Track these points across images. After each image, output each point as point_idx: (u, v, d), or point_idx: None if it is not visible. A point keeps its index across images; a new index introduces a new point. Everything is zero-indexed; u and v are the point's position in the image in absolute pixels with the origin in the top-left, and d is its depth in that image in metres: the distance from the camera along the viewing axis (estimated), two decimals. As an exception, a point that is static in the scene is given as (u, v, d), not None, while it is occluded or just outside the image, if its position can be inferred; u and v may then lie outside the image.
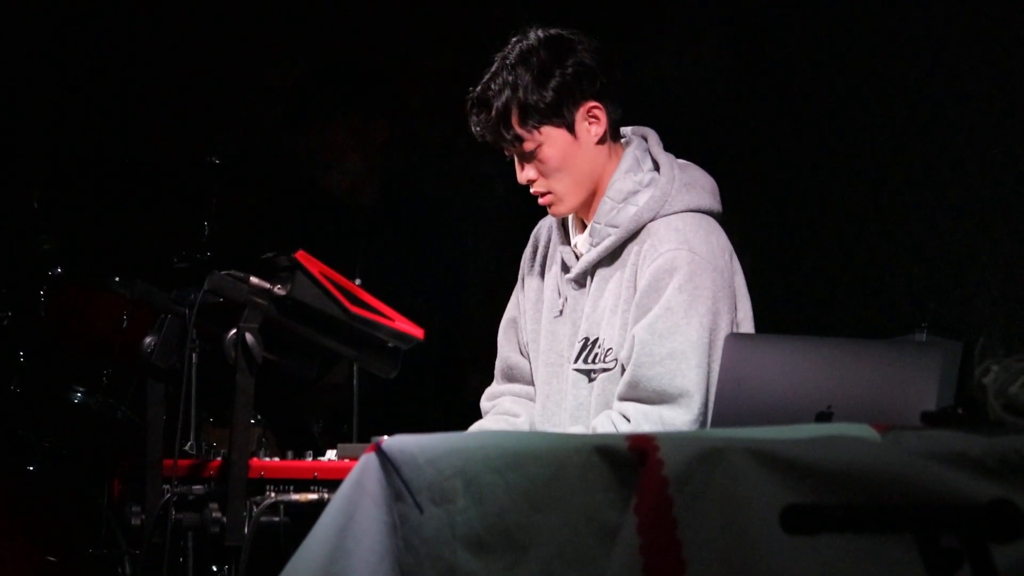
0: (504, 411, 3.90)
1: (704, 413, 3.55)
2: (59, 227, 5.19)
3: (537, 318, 3.85)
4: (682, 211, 3.68)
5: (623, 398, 3.59)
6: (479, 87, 3.70)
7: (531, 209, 3.89)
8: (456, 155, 6.03)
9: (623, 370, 3.61)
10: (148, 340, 3.39)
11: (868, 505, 2.03)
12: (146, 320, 4.28)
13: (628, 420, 3.54)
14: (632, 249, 3.68)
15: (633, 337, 3.59)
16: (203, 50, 6.11)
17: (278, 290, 3.38)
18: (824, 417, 2.99)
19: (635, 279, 3.64)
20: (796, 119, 5.25)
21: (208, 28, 6.13)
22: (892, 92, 4.93)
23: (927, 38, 4.81)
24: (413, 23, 6.21)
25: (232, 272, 3.38)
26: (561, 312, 3.79)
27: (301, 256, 3.39)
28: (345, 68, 5.73)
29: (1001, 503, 1.96)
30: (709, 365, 3.56)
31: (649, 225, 3.67)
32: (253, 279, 3.37)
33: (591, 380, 3.69)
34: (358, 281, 4.97)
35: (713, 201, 3.74)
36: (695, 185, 3.73)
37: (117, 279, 4.95)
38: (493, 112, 3.67)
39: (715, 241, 3.67)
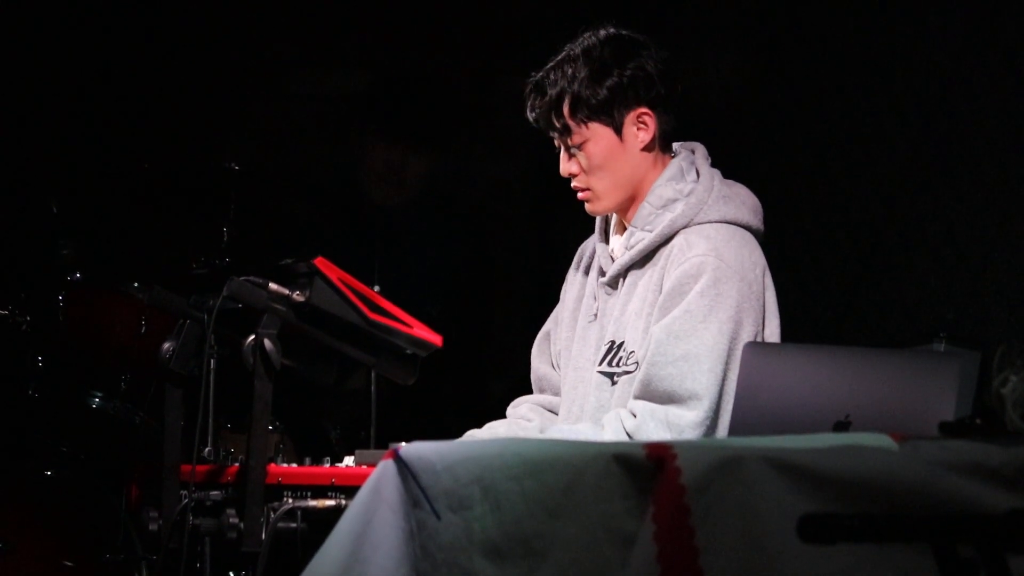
0: (519, 416, 3.92)
1: (713, 418, 3.55)
2: (78, 232, 5.20)
3: (572, 325, 3.87)
4: (716, 221, 3.69)
5: (636, 396, 3.61)
6: (540, 73, 3.75)
7: (553, 217, 3.90)
8: (476, 161, 6.04)
9: None
10: (166, 346, 3.40)
11: (885, 515, 2.03)
12: (164, 326, 4.28)
13: (635, 416, 3.56)
14: (663, 253, 3.69)
15: (651, 337, 3.60)
16: (222, 56, 6.13)
17: (297, 296, 3.38)
18: (842, 426, 2.98)
19: (662, 282, 3.65)
20: (813, 128, 5.24)
21: (227, 34, 6.14)
22: (909, 101, 4.93)
23: (946, 47, 4.81)
24: (432, 31, 6.22)
25: (251, 278, 3.39)
26: (595, 316, 3.80)
27: (320, 262, 3.40)
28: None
29: (1018, 513, 1.96)
30: (725, 372, 3.57)
31: (682, 232, 3.68)
32: (272, 285, 3.38)
33: (614, 383, 3.69)
34: (376, 288, 4.98)
35: (752, 218, 3.74)
36: (734, 199, 3.73)
37: (135, 284, 4.96)
38: (547, 98, 3.71)
39: (747, 253, 3.67)
